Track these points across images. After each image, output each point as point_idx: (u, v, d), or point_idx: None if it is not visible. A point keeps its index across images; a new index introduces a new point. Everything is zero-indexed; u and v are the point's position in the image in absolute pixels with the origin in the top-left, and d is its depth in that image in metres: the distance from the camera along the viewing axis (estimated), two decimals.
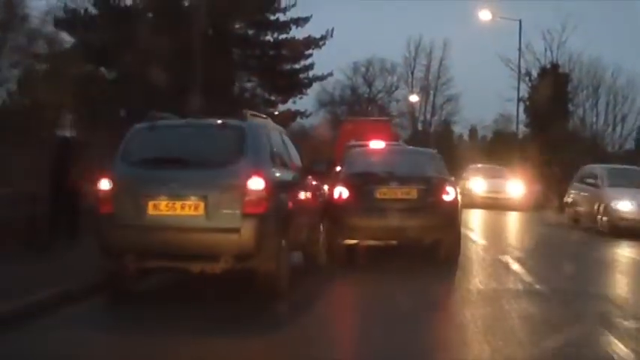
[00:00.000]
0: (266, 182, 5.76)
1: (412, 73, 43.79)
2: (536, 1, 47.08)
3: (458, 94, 42.78)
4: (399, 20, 61.54)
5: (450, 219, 8.25)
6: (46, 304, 5.54)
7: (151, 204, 5.72)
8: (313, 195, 7.97)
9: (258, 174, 5.75)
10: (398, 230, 8.06)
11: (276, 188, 6.09)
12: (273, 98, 28.56)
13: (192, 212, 5.67)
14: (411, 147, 14.67)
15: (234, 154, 5.90)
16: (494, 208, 20.15)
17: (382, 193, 8.15)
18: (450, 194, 8.30)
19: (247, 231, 5.59)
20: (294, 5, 27.16)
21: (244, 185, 5.66)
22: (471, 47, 53.00)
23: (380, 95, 44.21)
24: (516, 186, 21.98)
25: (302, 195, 7.33)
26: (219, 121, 6.25)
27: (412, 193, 8.15)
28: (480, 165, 25.07)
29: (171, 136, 6.34)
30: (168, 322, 5.20)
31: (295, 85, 28.74)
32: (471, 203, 19.93)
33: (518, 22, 27.25)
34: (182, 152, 6.04)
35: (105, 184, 5.91)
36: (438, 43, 43.12)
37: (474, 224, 15.50)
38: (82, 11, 22.78)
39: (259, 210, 5.66)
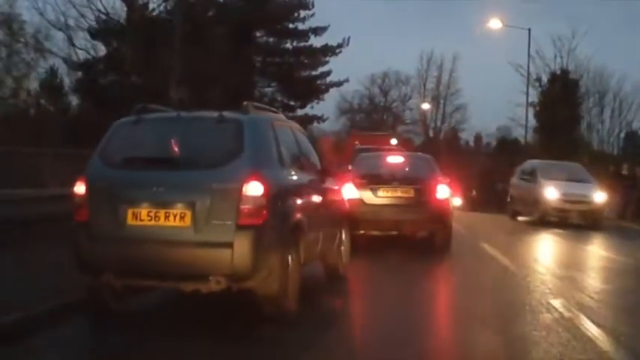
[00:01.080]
0: (266, 186, 4.56)
1: (424, 84, 46.33)
2: (548, 10, 47.06)
3: (466, 104, 45.34)
4: (412, 35, 64.10)
5: (442, 214, 9.15)
6: None
7: (130, 212, 4.57)
8: (333, 199, 6.71)
9: (257, 176, 4.56)
10: (398, 223, 8.98)
11: (281, 193, 4.89)
12: (292, 103, 28.22)
13: (177, 223, 4.50)
14: (410, 152, 15.12)
15: (228, 153, 4.70)
16: (577, 228, 13.62)
17: (385, 191, 9.05)
18: (441, 193, 9.21)
19: (242, 246, 4.40)
20: (312, 15, 27.67)
21: (239, 190, 4.47)
22: (482, 57, 55.71)
23: (395, 104, 47.56)
24: (600, 193, 14.46)
25: (318, 200, 6.04)
26: (215, 114, 5.02)
27: (410, 192, 9.10)
28: (543, 161, 17.03)
29: (158, 132, 5.14)
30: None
31: (313, 90, 28.79)
32: (539, 217, 14.29)
33: (527, 30, 26.62)
34: (169, 150, 4.88)
35: (80, 188, 4.80)
36: (448, 57, 45.95)
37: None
38: (115, 23, 22.30)
39: (257, 221, 4.47)
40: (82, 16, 21.44)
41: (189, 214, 4.47)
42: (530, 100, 31.00)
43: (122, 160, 4.86)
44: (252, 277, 4.46)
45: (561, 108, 30.94)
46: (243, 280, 4.47)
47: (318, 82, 28.87)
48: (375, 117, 46.08)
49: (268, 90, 28.38)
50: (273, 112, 6.09)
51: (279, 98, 28.18)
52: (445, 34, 62.24)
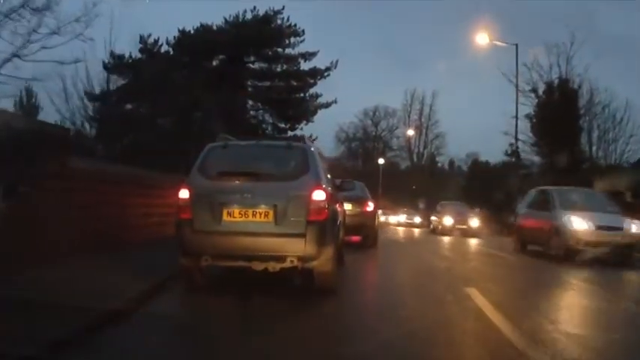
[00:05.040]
0: (327, 194, 6.03)
1: (409, 116, 54.51)
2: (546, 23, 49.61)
3: (444, 132, 53.14)
4: (398, 75, 75.26)
5: (371, 220, 13.48)
6: None
7: (225, 211, 5.90)
8: (341, 207, 8.56)
9: (320, 187, 6.00)
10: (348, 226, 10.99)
11: (332, 200, 6.37)
12: (282, 125, 28.55)
13: (262, 219, 5.86)
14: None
15: (299, 170, 6.15)
16: None
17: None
18: (370, 207, 13.46)
19: (311, 236, 5.79)
20: (302, 42, 27.70)
21: (309, 196, 5.87)
22: (466, 82, 61.10)
23: (384, 133, 54.95)
24: None
25: (338, 207, 7.74)
26: (284, 143, 6.57)
27: (351, 205, 12.49)
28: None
29: (242, 154, 6.55)
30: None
31: (302, 113, 28.73)
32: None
33: (515, 45, 24.45)
34: (253, 167, 6.25)
35: (184, 193, 6.10)
36: (428, 93, 54.67)
37: None
38: (127, 57, 23.24)
39: (321, 217, 5.88)
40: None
41: (271, 212, 5.84)
42: (527, 112, 28.45)
43: (217, 174, 6.21)
44: (316, 258, 5.86)
45: (561, 120, 27.39)
46: (310, 260, 5.86)
47: (307, 104, 28.71)
48: (367, 145, 53.32)
49: (260, 112, 28.48)
50: (313, 141, 7.61)
51: (270, 120, 28.58)
52: (425, 73, 72.89)
